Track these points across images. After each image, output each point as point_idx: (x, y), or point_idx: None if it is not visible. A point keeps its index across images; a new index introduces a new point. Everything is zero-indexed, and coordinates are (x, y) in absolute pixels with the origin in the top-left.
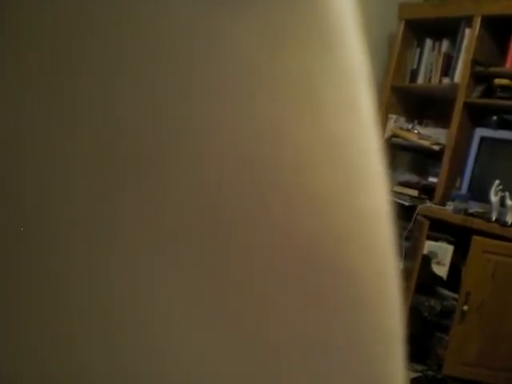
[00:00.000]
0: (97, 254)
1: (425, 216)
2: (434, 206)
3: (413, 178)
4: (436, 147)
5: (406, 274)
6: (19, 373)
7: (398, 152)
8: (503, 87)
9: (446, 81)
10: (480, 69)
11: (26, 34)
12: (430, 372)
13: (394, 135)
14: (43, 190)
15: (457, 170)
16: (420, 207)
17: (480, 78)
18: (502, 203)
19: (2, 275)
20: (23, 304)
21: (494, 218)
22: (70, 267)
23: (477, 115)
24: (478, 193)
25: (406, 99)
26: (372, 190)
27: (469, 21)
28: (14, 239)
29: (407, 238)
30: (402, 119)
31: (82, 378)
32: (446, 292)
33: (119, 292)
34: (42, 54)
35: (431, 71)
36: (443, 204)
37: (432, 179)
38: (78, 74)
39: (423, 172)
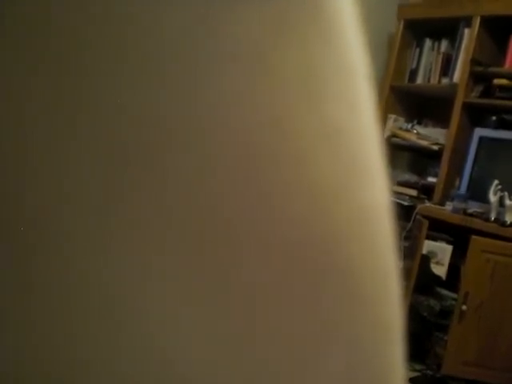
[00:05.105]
0: (96, 253)
1: (424, 216)
2: (433, 205)
3: (412, 177)
4: (435, 147)
5: (405, 273)
6: (19, 373)
7: (397, 152)
8: (502, 87)
9: (445, 81)
10: (479, 69)
11: (26, 34)
12: (429, 371)
13: (393, 135)
14: (43, 189)
15: (456, 170)
16: (419, 207)
17: (479, 77)
18: (501, 203)
19: (2, 275)
20: (23, 304)
21: (492, 218)
22: (69, 267)
23: (476, 115)
24: (477, 193)
25: (405, 99)
26: (372, 186)
27: (468, 21)
28: (14, 239)
29: (406, 238)
30: (401, 119)
31: (81, 377)
32: (445, 292)
33: (118, 292)
34: (43, 53)
35: (430, 71)
36: (442, 204)
37: (431, 179)
38: (79, 74)
39: (422, 172)
